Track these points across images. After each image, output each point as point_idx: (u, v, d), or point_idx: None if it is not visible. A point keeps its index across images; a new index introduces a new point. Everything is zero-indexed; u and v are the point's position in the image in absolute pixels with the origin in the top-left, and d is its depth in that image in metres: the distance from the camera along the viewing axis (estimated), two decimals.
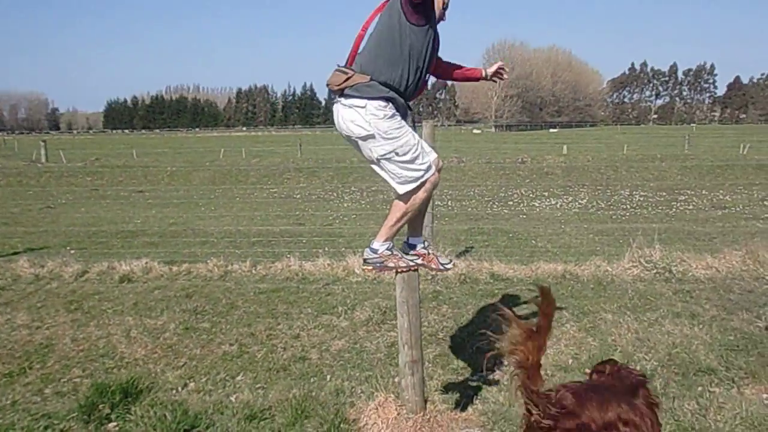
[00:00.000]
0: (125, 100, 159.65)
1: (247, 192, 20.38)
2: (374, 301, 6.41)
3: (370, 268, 3.68)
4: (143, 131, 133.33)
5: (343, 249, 8.83)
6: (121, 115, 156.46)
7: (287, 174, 23.16)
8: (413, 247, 3.82)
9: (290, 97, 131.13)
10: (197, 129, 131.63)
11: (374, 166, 3.57)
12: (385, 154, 3.42)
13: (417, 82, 3.45)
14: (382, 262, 3.65)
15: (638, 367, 5.22)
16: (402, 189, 3.49)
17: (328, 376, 5.03)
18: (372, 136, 3.40)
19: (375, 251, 3.67)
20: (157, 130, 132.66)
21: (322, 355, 5.36)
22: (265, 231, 11.73)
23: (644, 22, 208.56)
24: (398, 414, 3.78)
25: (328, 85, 3.49)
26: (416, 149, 3.45)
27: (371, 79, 3.35)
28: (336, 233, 11.27)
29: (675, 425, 3.82)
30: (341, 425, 3.82)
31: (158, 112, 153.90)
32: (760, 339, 5.34)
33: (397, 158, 3.42)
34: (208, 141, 69.17)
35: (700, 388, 4.49)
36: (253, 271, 7.70)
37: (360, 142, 3.48)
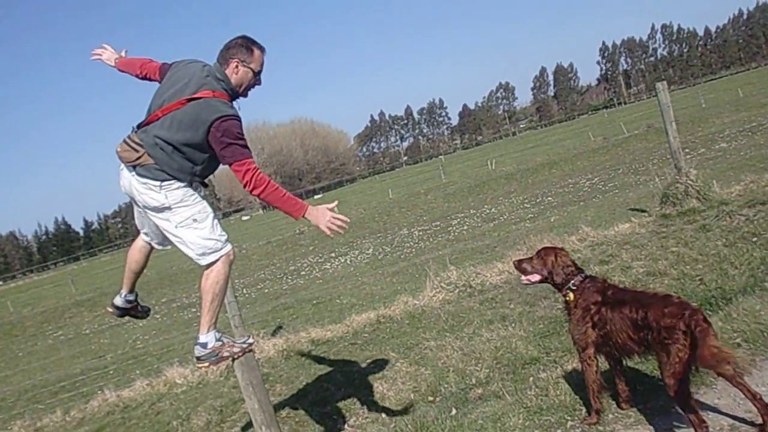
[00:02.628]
0: None
1: (29, 344, 18.32)
2: (207, 404, 6.19)
3: (206, 364, 3.63)
4: None
5: (156, 366, 8.37)
6: None
7: (68, 312, 21.26)
8: (205, 345, 3.67)
9: (44, 237, 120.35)
10: None
11: (174, 240, 3.56)
12: (183, 221, 3.46)
13: (211, 167, 3.57)
14: (217, 355, 3.62)
15: (473, 379, 5.67)
16: (204, 261, 3.52)
17: None
18: (168, 208, 3.44)
19: (205, 345, 3.62)
20: None
21: None
22: (65, 375, 10.66)
23: (371, 76, 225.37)
24: None
25: (117, 154, 3.46)
26: (213, 218, 3.55)
27: (159, 166, 3.39)
28: (143, 353, 10.60)
29: (525, 412, 4.20)
30: None
31: None
32: (563, 319, 6.04)
33: (195, 225, 3.46)
34: None
35: (531, 378, 4.99)
36: (68, 419, 7.01)
37: (156, 214, 3.50)
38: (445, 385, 5.72)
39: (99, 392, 7.43)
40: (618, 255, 7.41)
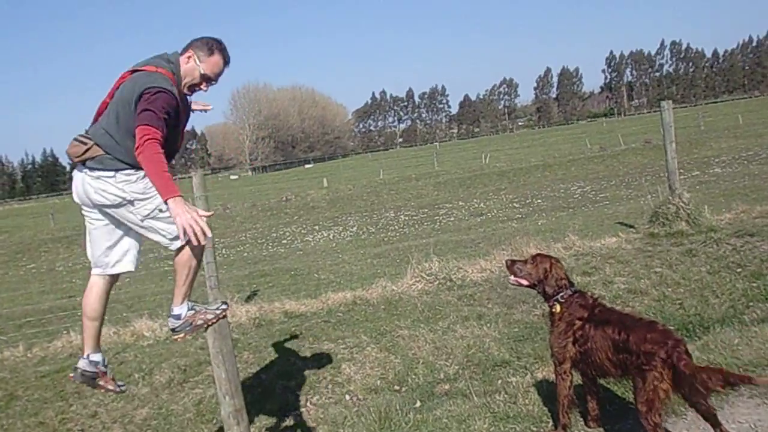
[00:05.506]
0: None
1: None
2: (172, 362, 6.10)
3: (182, 335, 3.53)
4: None
5: (126, 314, 8.26)
6: None
7: (44, 247, 21.04)
8: (179, 317, 3.55)
9: (30, 166, 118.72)
10: None
11: (141, 230, 3.41)
12: (149, 213, 3.31)
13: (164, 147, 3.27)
14: (191, 324, 3.52)
15: (441, 374, 5.65)
16: (175, 245, 3.37)
17: None
18: (129, 201, 3.29)
19: (178, 317, 3.52)
20: None
21: (127, 429, 5.03)
22: (32, 310, 10.51)
23: (380, 53, 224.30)
24: None
25: (67, 154, 3.32)
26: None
27: (110, 154, 3.24)
28: (113, 300, 10.42)
29: (492, 417, 4.18)
30: None
31: None
32: (540, 326, 6.02)
33: (162, 215, 3.30)
34: None
35: (500, 381, 4.96)
36: (29, 355, 6.88)
37: (116, 210, 3.34)
38: (413, 377, 5.69)
39: (64, 333, 7.31)
40: (601, 268, 7.38)
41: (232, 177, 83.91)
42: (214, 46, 3.42)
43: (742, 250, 7.45)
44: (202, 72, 3.38)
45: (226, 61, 3.47)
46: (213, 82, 3.48)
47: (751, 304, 6.46)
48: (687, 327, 5.79)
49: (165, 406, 5.41)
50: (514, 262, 4.01)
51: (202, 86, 3.45)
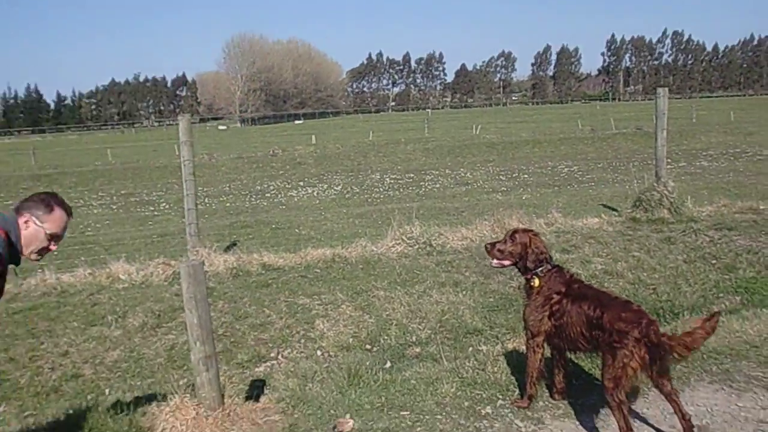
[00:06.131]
0: None
1: None
2: (146, 306, 6.10)
3: None
4: None
5: (103, 256, 8.22)
6: None
7: (23, 184, 20.71)
8: None
9: (12, 101, 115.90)
10: None
11: None
12: None
13: None
14: None
15: (413, 337, 5.71)
16: None
17: (107, 390, 4.74)
18: None
19: None
20: None
21: (97, 369, 5.03)
22: None
23: (378, 15, 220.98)
24: (197, 413, 3.69)
25: None
26: None
27: None
28: (91, 241, 10.42)
29: (460, 381, 4.23)
30: None
31: None
32: (515, 298, 6.08)
33: None
34: None
35: (470, 348, 5.02)
36: None
37: None
38: (385, 337, 5.74)
39: (39, 271, 7.25)
40: (581, 247, 7.45)
41: (220, 127, 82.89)
42: (51, 201, 3.05)
43: (719, 242, 7.55)
44: (49, 232, 3.00)
45: (69, 213, 3.11)
46: (60, 240, 3.13)
47: (721, 295, 6.59)
48: (658, 312, 5.89)
49: (137, 349, 5.42)
50: (493, 245, 3.92)
51: (51, 247, 3.07)
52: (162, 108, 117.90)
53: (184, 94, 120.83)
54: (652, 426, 3.65)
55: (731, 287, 6.71)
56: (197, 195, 7.62)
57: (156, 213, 14.08)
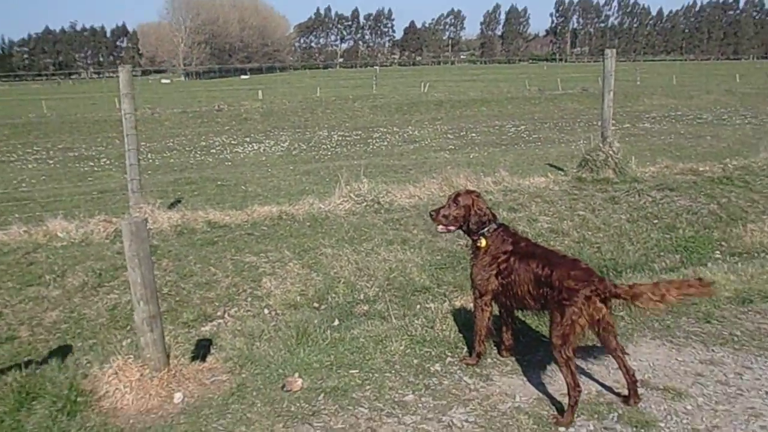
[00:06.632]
0: None
1: None
2: (86, 265, 5.88)
3: None
4: None
5: (39, 213, 7.88)
6: None
7: None
8: None
9: None
10: None
11: None
12: None
13: None
14: None
15: (361, 295, 5.69)
16: None
17: (46, 352, 4.58)
18: None
19: None
20: None
21: (35, 331, 4.86)
22: None
23: None
24: (141, 375, 3.59)
25: None
26: None
27: None
28: (26, 197, 9.96)
29: (408, 339, 4.24)
30: (78, 399, 3.51)
31: None
32: (462, 255, 6.10)
33: None
34: None
35: (419, 306, 5.03)
36: None
37: None
38: (333, 295, 5.72)
39: None
40: (527, 206, 7.52)
41: (163, 81, 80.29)
42: None
43: (661, 202, 7.73)
44: None
45: None
46: None
47: (662, 254, 6.78)
48: (601, 270, 6.00)
49: (77, 309, 5.26)
50: (437, 211, 3.88)
51: None
52: (101, 59, 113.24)
53: (124, 45, 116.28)
54: (597, 381, 3.73)
55: (672, 246, 6.91)
56: (139, 150, 7.35)
57: (96, 168, 13.58)
